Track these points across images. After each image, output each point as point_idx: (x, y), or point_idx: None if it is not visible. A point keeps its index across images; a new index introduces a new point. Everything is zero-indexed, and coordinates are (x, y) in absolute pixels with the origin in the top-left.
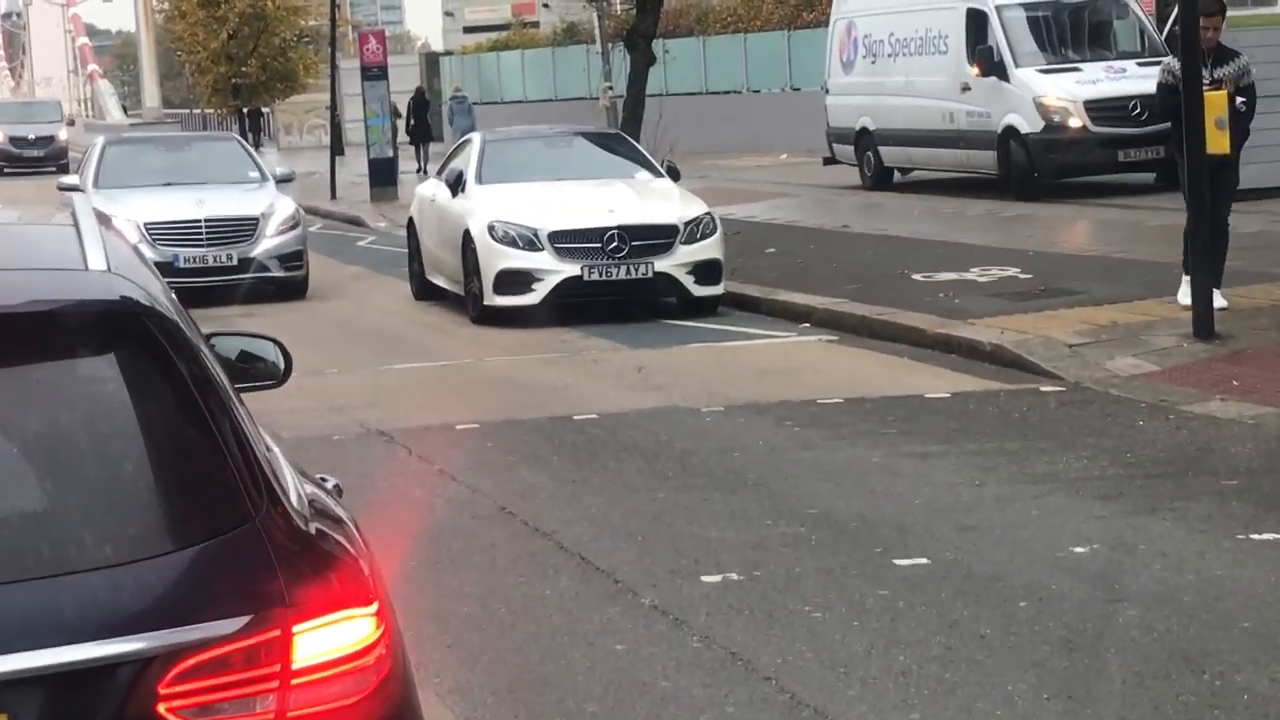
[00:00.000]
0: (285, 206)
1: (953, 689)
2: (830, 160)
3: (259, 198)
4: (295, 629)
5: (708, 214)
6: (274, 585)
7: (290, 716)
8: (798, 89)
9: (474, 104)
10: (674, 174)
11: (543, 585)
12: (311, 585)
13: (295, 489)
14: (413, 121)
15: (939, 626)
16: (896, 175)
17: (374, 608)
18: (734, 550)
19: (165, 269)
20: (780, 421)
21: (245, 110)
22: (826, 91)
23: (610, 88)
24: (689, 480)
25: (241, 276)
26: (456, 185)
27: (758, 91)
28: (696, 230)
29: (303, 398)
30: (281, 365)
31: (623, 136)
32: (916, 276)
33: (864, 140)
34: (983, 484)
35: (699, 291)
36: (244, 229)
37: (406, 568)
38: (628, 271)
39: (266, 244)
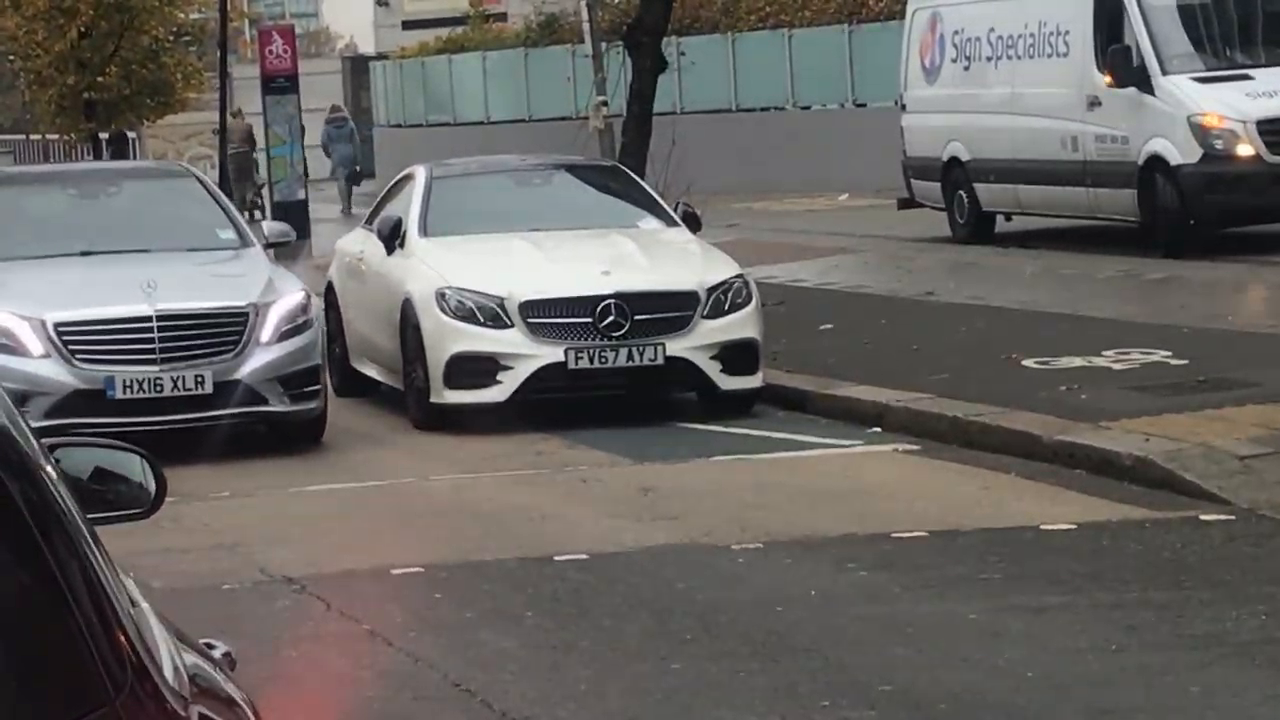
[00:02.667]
0: (288, 291)
1: None
2: (908, 203)
3: (245, 277)
4: None
5: (739, 277)
6: None
7: None
8: (863, 105)
9: (420, 125)
10: (692, 222)
11: None
12: None
13: (171, 659)
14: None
15: None
16: (1000, 223)
17: None
18: None
19: (90, 401)
20: (840, 564)
21: (106, 136)
22: (903, 108)
23: (605, 103)
24: (714, 645)
25: (219, 414)
26: (393, 238)
27: (807, 108)
28: (724, 299)
29: (180, 533)
30: (151, 488)
31: (621, 170)
32: (1028, 363)
33: (954, 175)
34: (1122, 649)
35: (728, 384)
36: (223, 333)
37: None
38: (630, 356)
39: (261, 357)
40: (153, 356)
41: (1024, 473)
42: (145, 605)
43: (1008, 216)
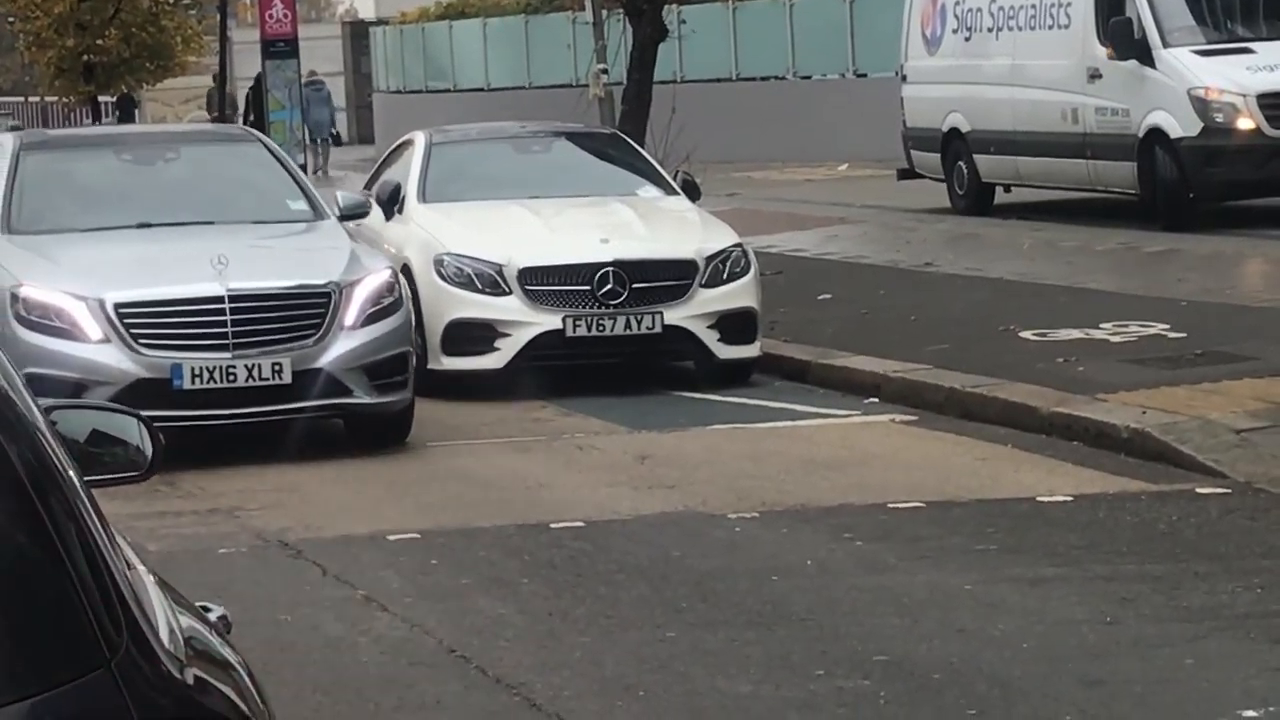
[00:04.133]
0: (373, 269)
1: None
2: (908, 173)
3: (325, 252)
4: None
5: (738, 246)
6: None
7: None
8: (863, 75)
9: (420, 91)
10: (691, 190)
11: None
12: None
13: (166, 622)
14: (251, 117)
15: None
16: (999, 194)
17: None
18: (772, 712)
19: (154, 392)
20: (837, 534)
21: (114, 99)
22: (903, 79)
23: (605, 71)
24: (710, 613)
25: (298, 407)
26: (391, 204)
27: (808, 78)
28: (723, 268)
29: (177, 497)
30: (148, 451)
31: (621, 138)
32: (1026, 335)
33: (954, 146)
34: (1117, 621)
35: (725, 353)
36: (303, 315)
37: None
38: (627, 324)
39: (345, 343)
40: (224, 342)
41: (1021, 444)
42: (141, 568)
43: (1007, 188)
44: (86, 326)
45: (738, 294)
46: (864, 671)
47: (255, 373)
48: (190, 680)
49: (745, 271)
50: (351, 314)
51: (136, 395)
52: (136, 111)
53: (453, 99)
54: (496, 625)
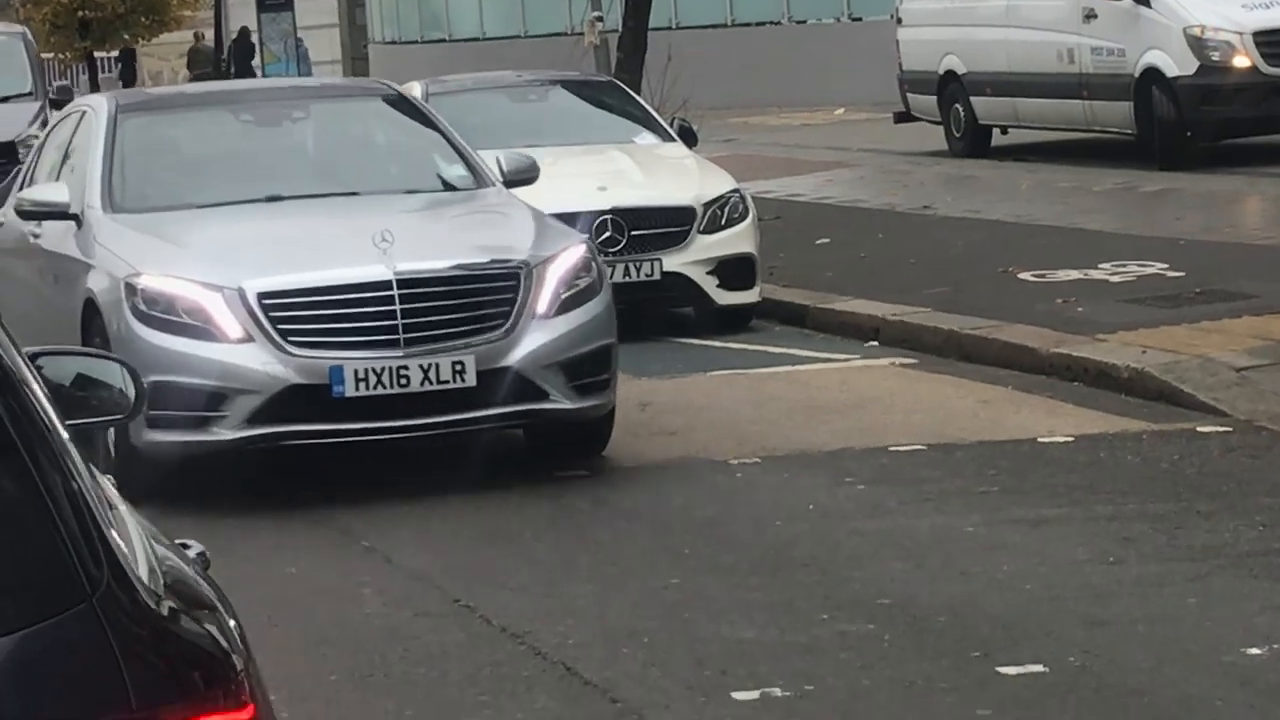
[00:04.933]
0: (565, 243)
1: None
2: (904, 116)
3: (504, 226)
4: None
5: (736, 192)
6: (116, 684)
7: None
8: (858, 19)
9: (415, 42)
10: (688, 137)
11: (514, 708)
12: (165, 684)
13: (146, 559)
14: (233, 70)
15: None
16: (996, 136)
17: (247, 713)
18: (776, 657)
19: (310, 401)
20: (839, 478)
21: (116, 54)
22: (899, 21)
23: (600, 19)
24: (713, 560)
25: (483, 415)
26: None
27: (803, 22)
28: (720, 214)
29: None
30: (131, 394)
31: (617, 85)
32: (1025, 276)
33: (951, 89)
34: (1119, 561)
35: (725, 299)
36: (489, 303)
37: (320, 684)
38: (626, 272)
39: (538, 335)
40: (394, 337)
41: (1021, 386)
42: (123, 508)
43: (1004, 130)
44: (224, 322)
45: (736, 240)
46: (868, 615)
47: (432, 374)
48: (166, 612)
49: (743, 217)
50: (545, 299)
51: (287, 406)
52: (138, 67)
53: (448, 49)
54: (500, 575)
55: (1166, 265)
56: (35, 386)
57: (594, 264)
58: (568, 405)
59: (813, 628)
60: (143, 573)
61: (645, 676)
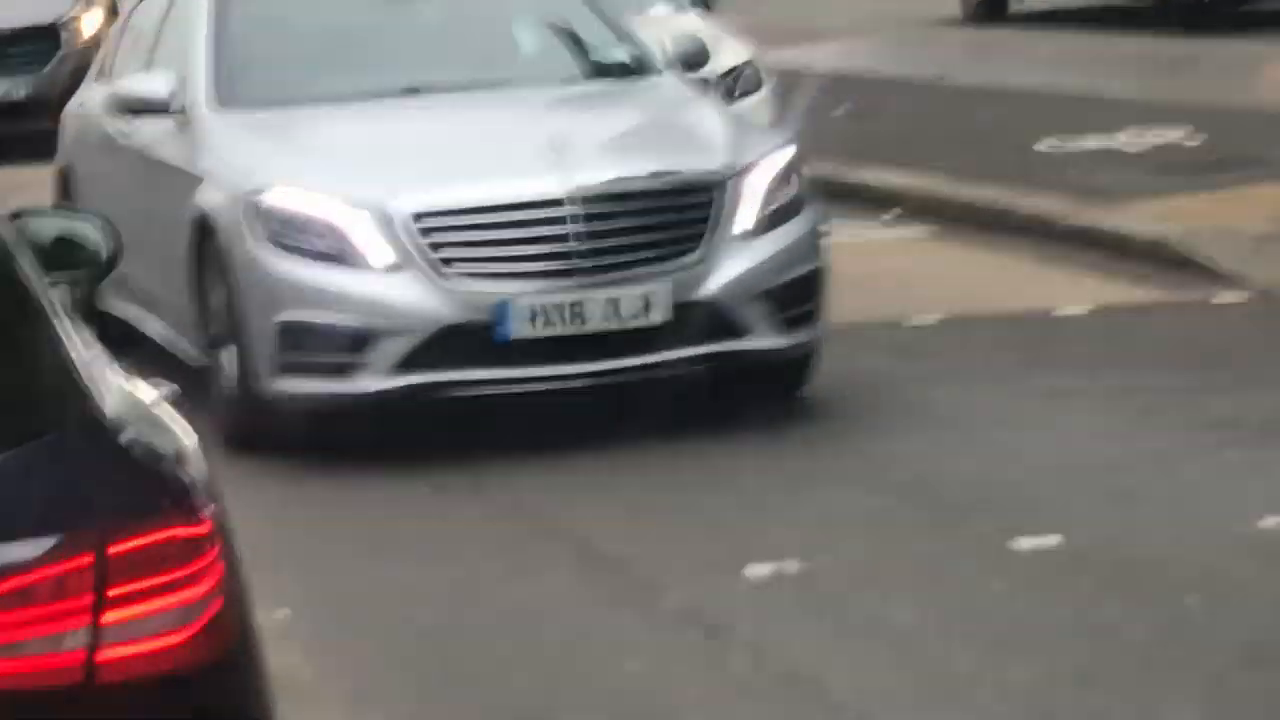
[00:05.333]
0: (767, 145)
1: None
2: None
3: (693, 121)
4: (109, 551)
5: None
6: (84, 501)
7: (104, 654)
8: None
9: None
10: (703, 6)
11: (528, 584)
12: (130, 500)
13: (118, 392)
14: None
15: (1077, 632)
16: (1013, 2)
17: (204, 527)
18: (791, 530)
19: (471, 343)
20: (856, 350)
21: None
22: None
23: None
24: (727, 436)
25: (675, 358)
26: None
27: None
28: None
29: None
30: (110, 248)
31: None
32: (1042, 146)
33: None
34: (1136, 433)
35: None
36: (679, 221)
37: (334, 558)
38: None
39: (740, 260)
40: (567, 265)
41: (1039, 256)
42: (98, 348)
43: None
44: (368, 248)
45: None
46: (883, 488)
47: (616, 310)
48: (134, 436)
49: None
50: (747, 215)
51: (445, 348)
52: None
53: None
54: (516, 453)
55: (1186, 133)
56: (14, 246)
57: (799, 171)
58: (772, 344)
59: (827, 501)
60: (113, 403)
61: (658, 552)
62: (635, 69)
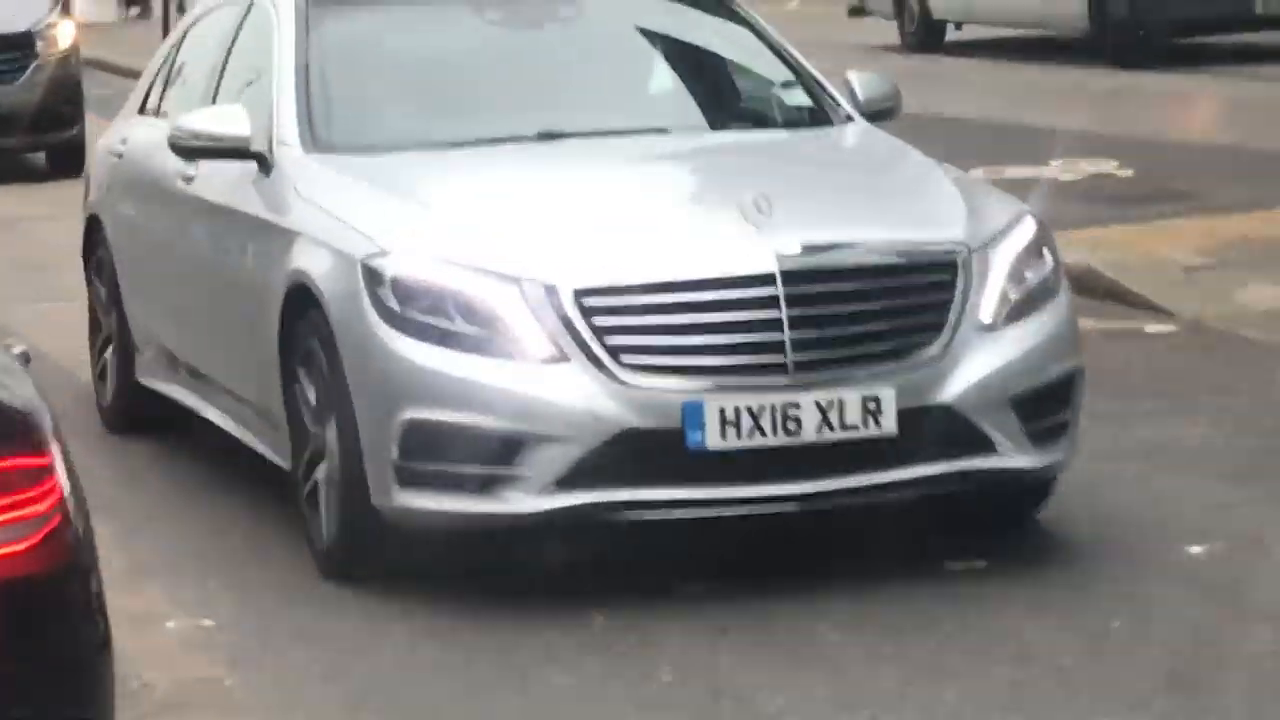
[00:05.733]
0: (1006, 217)
1: None
2: (858, 10)
3: (913, 184)
4: None
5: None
6: None
7: None
8: None
9: None
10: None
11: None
12: None
13: None
14: None
15: (1001, 654)
16: (950, 32)
17: (47, 459)
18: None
19: (655, 453)
20: None
21: None
22: None
23: None
24: None
25: (908, 478)
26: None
27: None
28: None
29: None
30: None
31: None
32: (977, 173)
33: None
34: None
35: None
36: (912, 306)
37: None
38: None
39: (986, 357)
40: (777, 360)
41: None
42: None
43: (958, 25)
44: (525, 334)
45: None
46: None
47: (835, 416)
48: None
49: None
50: (991, 300)
51: (618, 461)
52: None
53: None
54: None
55: (1117, 164)
56: None
57: (1047, 245)
58: (1023, 462)
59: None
60: None
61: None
62: (819, 116)
